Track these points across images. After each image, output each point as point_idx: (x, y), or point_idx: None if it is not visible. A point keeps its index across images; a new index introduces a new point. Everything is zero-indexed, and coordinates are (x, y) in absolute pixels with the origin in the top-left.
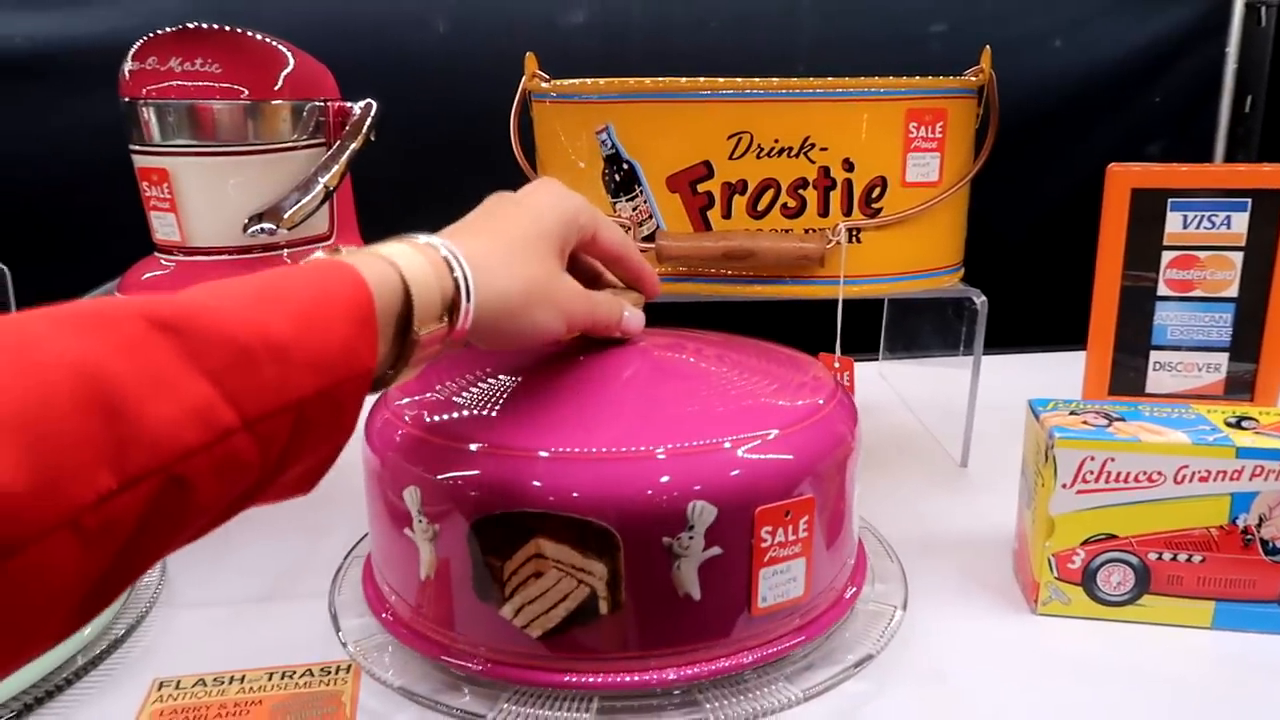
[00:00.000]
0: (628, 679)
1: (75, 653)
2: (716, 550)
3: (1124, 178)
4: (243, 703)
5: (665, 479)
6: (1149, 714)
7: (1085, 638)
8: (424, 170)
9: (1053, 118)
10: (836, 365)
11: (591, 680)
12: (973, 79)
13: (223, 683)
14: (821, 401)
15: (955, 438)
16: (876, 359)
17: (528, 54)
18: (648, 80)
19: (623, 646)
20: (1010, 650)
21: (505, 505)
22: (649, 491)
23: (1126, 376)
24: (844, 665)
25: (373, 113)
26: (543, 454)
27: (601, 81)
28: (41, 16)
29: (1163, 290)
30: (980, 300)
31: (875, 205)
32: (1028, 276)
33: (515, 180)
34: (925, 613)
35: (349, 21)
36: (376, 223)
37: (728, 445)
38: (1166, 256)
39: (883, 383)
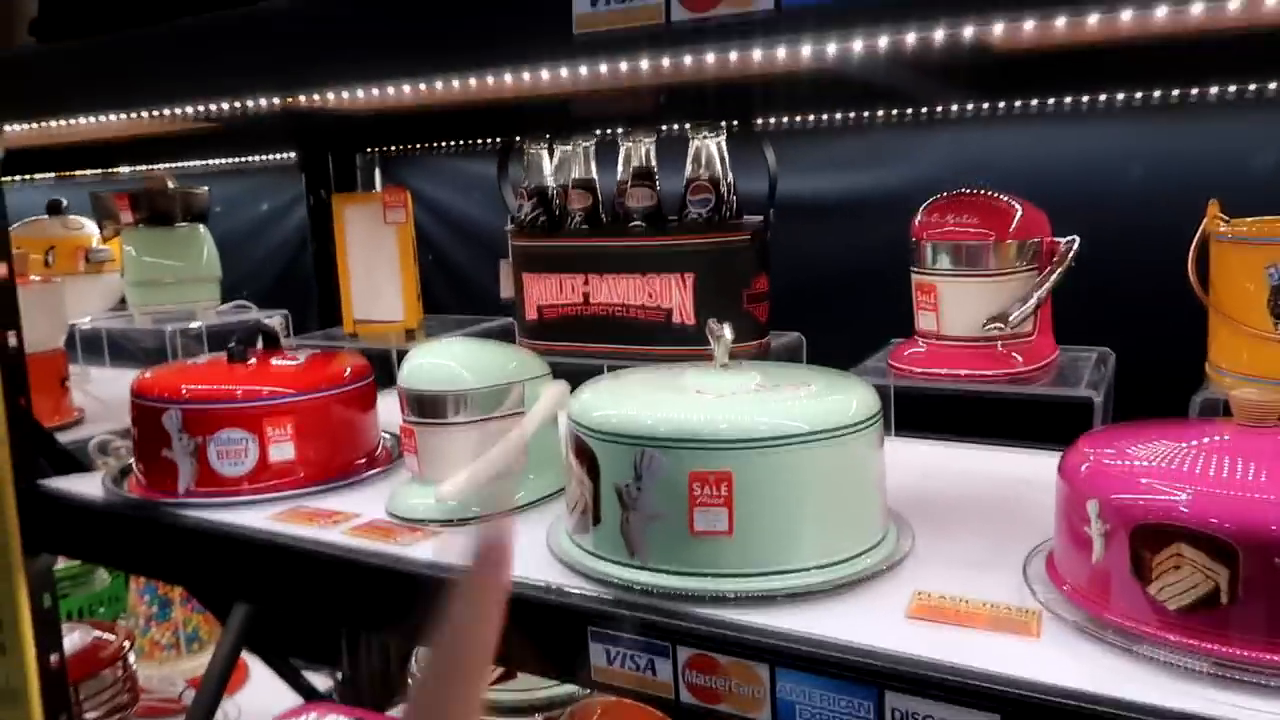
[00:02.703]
0: (1240, 653)
1: (864, 569)
2: None
3: None
4: (964, 613)
5: (1276, 519)
6: None
7: None
8: (1112, 287)
9: None
10: None
11: (1208, 647)
12: None
13: (958, 599)
14: None
15: None
16: None
17: (1211, 200)
18: None
19: (1237, 629)
20: None
21: (1162, 519)
22: (1270, 526)
23: None
24: None
25: (1075, 247)
26: (1190, 489)
27: (1268, 223)
28: (857, 176)
29: None
30: None
31: None
32: None
33: (1192, 301)
34: None
35: (1062, 174)
36: (1065, 326)
37: None
38: None
39: None
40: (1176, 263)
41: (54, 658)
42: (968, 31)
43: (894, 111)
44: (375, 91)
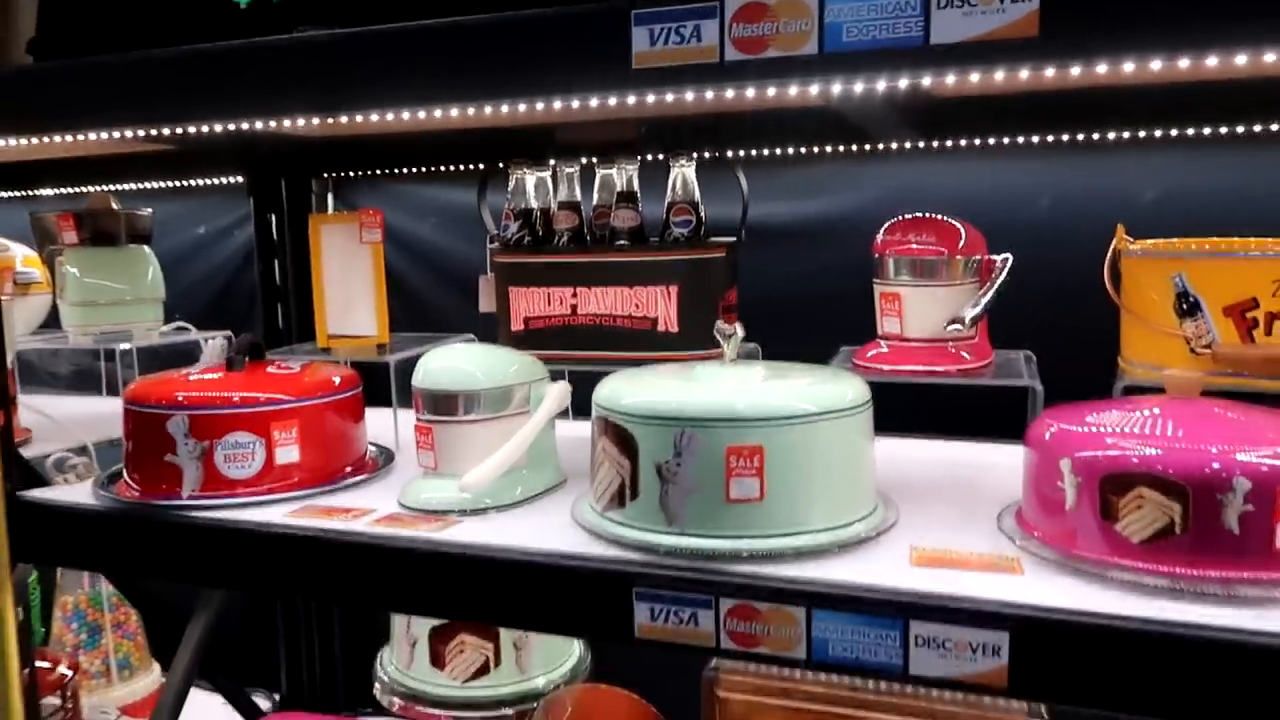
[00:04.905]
0: (1191, 572)
1: (864, 531)
2: (1250, 507)
3: None
4: (958, 560)
5: (1216, 464)
6: None
7: None
8: (1033, 297)
9: None
10: None
11: (1165, 569)
12: None
13: (949, 551)
14: None
15: None
16: None
17: (1118, 224)
18: (1209, 242)
19: (1187, 554)
20: None
21: (1126, 469)
22: (1211, 466)
23: None
24: None
25: (1009, 264)
26: (1146, 443)
27: (1175, 242)
28: (804, 203)
29: None
30: None
31: None
32: None
33: (1093, 311)
34: None
35: (983, 202)
36: (996, 328)
37: (1262, 451)
38: None
39: None
40: (1079, 279)
41: (26, 673)
42: (973, 76)
43: (839, 146)
44: (389, 116)
